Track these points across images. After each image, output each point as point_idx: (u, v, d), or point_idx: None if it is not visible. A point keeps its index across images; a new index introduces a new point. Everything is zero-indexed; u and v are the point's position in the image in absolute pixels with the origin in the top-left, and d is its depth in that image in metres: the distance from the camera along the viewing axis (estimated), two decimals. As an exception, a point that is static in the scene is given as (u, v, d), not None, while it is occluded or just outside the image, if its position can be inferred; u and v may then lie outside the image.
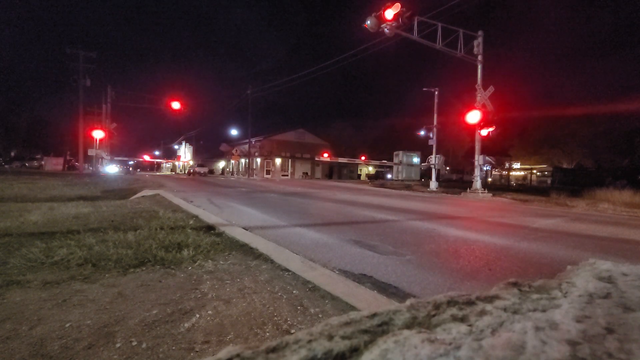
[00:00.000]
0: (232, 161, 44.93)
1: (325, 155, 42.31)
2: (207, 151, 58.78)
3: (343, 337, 0.52)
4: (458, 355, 0.46)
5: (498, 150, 35.25)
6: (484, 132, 13.39)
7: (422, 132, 22.02)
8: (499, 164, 36.70)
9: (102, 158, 28.19)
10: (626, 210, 8.37)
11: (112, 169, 30.57)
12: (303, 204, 8.11)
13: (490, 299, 0.67)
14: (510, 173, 36.71)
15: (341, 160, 44.59)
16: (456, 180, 37.02)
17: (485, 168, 22.84)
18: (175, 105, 27.06)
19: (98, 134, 24.91)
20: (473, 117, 13.29)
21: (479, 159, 14.10)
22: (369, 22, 12.45)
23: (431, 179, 19.47)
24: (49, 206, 5.47)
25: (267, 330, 1.63)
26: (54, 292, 1.97)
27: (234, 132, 48.21)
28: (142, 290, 2.04)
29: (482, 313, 0.61)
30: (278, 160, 42.37)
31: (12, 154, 49.74)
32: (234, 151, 40.28)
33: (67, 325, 1.58)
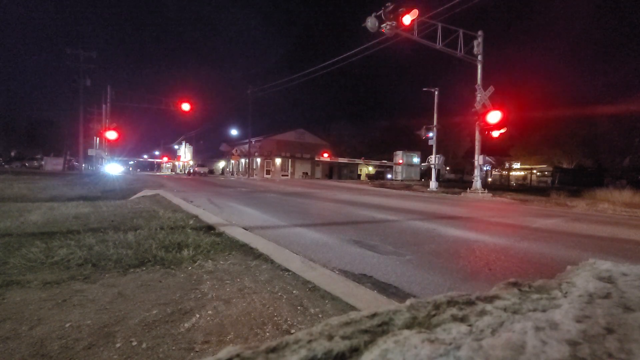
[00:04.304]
0: (232, 161, 44.96)
1: (325, 155, 42.37)
2: (207, 151, 58.80)
3: (343, 337, 0.52)
4: (458, 355, 0.46)
5: (498, 150, 35.24)
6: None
7: (422, 132, 22.02)
8: (499, 164, 36.72)
9: (102, 158, 28.17)
10: (626, 210, 8.37)
11: (112, 168, 30.50)
12: (303, 204, 8.11)
13: (490, 299, 0.67)
14: (510, 173, 36.72)
15: (341, 160, 44.63)
16: (456, 180, 37.03)
17: (485, 168, 22.86)
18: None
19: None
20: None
21: (479, 159, 14.10)
22: (368, 22, 12.44)
23: (431, 179, 19.47)
24: (49, 206, 5.47)
25: (267, 330, 1.63)
26: (54, 292, 1.97)
27: (234, 132, 48.26)
28: (142, 290, 2.04)
29: (482, 313, 0.61)
30: (278, 160, 42.38)
31: (12, 154, 49.75)
32: (234, 151, 40.31)
33: (67, 325, 1.58)
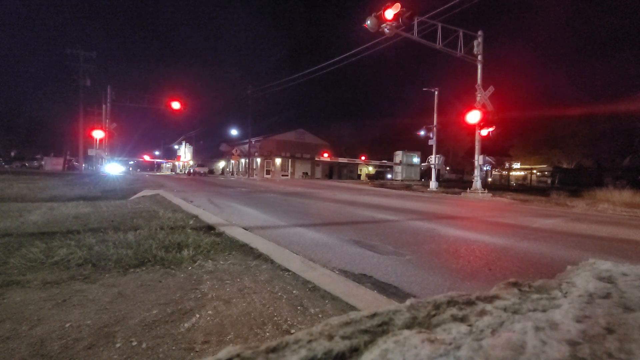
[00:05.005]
0: (232, 161, 44.94)
1: (325, 155, 42.40)
2: (207, 151, 58.80)
3: (343, 337, 0.52)
4: (458, 355, 0.46)
5: (498, 150, 35.25)
6: (484, 132, 13.39)
7: (422, 132, 22.03)
8: (499, 164, 36.70)
9: (102, 158, 28.19)
10: (626, 210, 8.37)
11: (112, 168, 30.50)
12: (303, 204, 8.11)
13: (490, 299, 0.67)
14: (510, 173, 36.70)
15: (341, 160, 44.65)
16: (456, 180, 37.01)
17: (485, 168, 22.86)
18: (175, 105, 26.89)
19: (98, 134, 24.81)
20: (473, 117, 13.29)
21: (479, 159, 14.11)
22: (369, 22, 12.45)
23: (431, 179, 19.47)
24: (49, 206, 5.47)
25: (267, 330, 1.63)
26: (54, 292, 1.97)
27: (234, 132, 48.25)
28: (142, 290, 2.04)
29: (482, 313, 0.61)
30: (278, 160, 42.37)
31: (12, 154, 49.74)
32: (234, 151, 40.28)
33: (67, 325, 1.58)
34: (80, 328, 1.56)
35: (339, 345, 0.50)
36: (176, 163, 60.85)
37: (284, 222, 5.21)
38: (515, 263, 3.14)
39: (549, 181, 31.62)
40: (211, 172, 51.03)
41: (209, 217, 5.12)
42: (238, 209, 6.69)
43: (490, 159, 15.41)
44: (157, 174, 47.39)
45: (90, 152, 28.58)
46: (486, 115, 13.27)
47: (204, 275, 2.36)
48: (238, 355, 0.47)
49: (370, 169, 48.55)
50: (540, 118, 33.14)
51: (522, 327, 0.54)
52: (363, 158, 45.40)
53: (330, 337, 0.52)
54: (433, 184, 18.87)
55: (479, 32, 13.96)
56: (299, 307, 1.90)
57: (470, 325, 0.56)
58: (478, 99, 13.52)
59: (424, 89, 21.33)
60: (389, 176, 42.28)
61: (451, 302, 0.65)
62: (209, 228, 4.12)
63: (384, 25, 12.28)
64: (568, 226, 5.65)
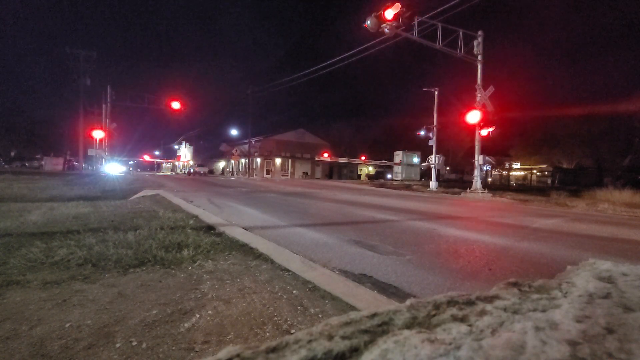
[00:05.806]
0: (232, 161, 44.97)
1: (325, 155, 42.39)
2: (207, 151, 58.79)
3: (343, 337, 0.52)
4: (458, 355, 0.46)
5: (498, 150, 35.23)
6: (484, 132, 13.39)
7: (422, 132, 22.02)
8: (499, 164, 36.71)
9: (102, 158, 28.18)
10: (626, 210, 8.37)
11: (112, 168, 30.46)
12: (303, 204, 8.11)
13: (490, 299, 0.67)
14: (510, 173, 36.71)
15: (341, 160, 44.65)
16: (456, 180, 37.02)
17: (485, 168, 22.86)
18: (175, 105, 26.88)
19: (98, 134, 24.78)
20: (473, 117, 13.30)
21: (479, 159, 14.11)
22: (368, 22, 12.44)
23: (431, 179, 19.47)
24: (48, 206, 5.47)
25: (267, 330, 1.63)
26: (54, 292, 1.97)
27: (234, 132, 48.26)
28: (142, 290, 2.04)
29: (482, 313, 0.61)
30: (278, 160, 42.37)
31: (12, 154, 49.74)
32: (234, 151, 40.31)
33: (67, 325, 1.58)
34: (80, 328, 1.56)
35: (339, 345, 0.50)
36: (176, 163, 60.78)
37: (284, 222, 5.21)
38: (515, 263, 3.14)
39: (549, 181, 31.66)
40: (211, 172, 51.02)
41: (209, 217, 5.12)
42: (238, 209, 6.69)
43: (490, 159, 15.42)
44: (157, 174, 47.37)
45: (90, 152, 28.56)
46: (486, 115, 13.28)
47: (204, 275, 2.36)
48: (238, 355, 0.47)
49: (370, 169, 48.53)
50: (540, 118, 33.15)
51: (522, 327, 0.54)
52: (363, 158, 45.42)
53: (330, 337, 0.52)
54: (433, 184, 18.87)
55: (479, 32, 13.96)
56: (299, 307, 1.90)
57: (470, 325, 0.56)
58: (478, 99, 13.52)
59: (424, 89, 21.34)
60: (389, 176, 42.28)
61: (451, 302, 0.65)
62: (209, 228, 4.12)
63: (384, 25, 12.28)
64: (568, 226, 5.65)
